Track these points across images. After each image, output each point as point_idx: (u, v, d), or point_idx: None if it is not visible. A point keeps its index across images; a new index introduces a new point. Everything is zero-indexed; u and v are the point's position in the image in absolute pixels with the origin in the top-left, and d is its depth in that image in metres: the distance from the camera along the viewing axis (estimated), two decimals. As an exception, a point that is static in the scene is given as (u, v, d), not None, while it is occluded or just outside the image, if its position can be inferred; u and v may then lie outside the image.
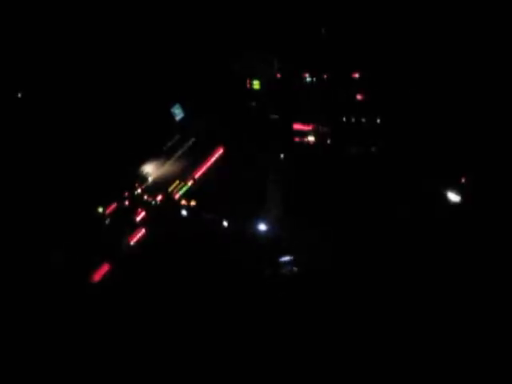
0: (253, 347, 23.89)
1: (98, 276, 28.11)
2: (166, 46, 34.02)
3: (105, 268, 28.45)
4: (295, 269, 27.00)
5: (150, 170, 33.12)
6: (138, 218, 31.00)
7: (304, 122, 33.21)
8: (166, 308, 25.99)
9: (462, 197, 28.11)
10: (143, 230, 30.28)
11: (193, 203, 30.90)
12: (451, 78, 30.27)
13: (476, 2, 30.32)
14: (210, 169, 33.27)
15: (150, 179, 32.87)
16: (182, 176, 32.75)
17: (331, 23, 33.35)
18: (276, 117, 33.98)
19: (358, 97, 32.75)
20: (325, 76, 33.40)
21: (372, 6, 32.43)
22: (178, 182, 32.32)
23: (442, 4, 31.02)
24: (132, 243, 29.90)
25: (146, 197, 31.96)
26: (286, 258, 27.21)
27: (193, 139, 34.55)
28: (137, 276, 27.89)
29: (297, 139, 33.33)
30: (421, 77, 31.07)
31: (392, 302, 24.48)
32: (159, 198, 31.77)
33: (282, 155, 32.55)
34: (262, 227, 28.69)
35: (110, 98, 33.41)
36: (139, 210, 31.25)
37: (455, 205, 28.20)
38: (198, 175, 32.88)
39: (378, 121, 31.96)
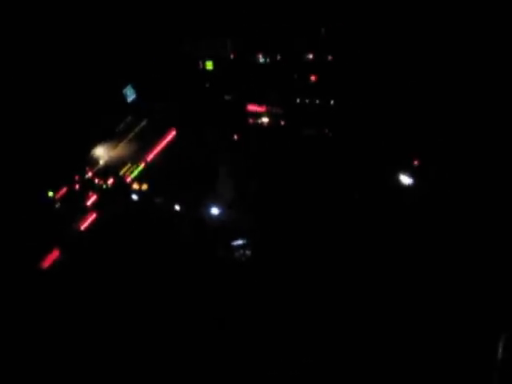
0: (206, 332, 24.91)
1: (47, 262, 28.97)
2: (116, 26, 34.30)
3: (55, 253, 29.28)
4: (248, 253, 27.91)
5: (101, 152, 33.91)
6: (89, 203, 31.85)
7: (257, 103, 34.18)
8: (117, 293, 26.92)
9: (415, 180, 29.22)
10: (94, 215, 31.15)
11: (144, 187, 31.77)
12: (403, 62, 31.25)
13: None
14: (162, 151, 34.03)
15: (101, 162, 33.61)
16: (134, 159, 33.54)
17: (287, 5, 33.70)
18: (229, 98, 34.81)
19: (312, 78, 33.61)
20: (278, 57, 34.17)
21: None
22: (129, 164, 33.15)
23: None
24: (83, 228, 30.72)
25: (96, 180, 32.74)
26: (239, 242, 28.11)
27: (145, 121, 35.36)
28: (88, 261, 28.78)
29: (250, 121, 34.26)
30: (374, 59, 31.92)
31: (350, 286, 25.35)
32: (110, 181, 32.58)
33: (234, 137, 33.46)
34: (214, 210, 29.58)
35: (60, 78, 33.40)
36: (90, 194, 32.11)
37: (408, 187, 29.31)
38: (149, 158, 33.68)
39: (332, 102, 32.95)
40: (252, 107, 34.33)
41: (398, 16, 30.97)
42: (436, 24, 30.43)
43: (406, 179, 29.42)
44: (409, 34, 30.88)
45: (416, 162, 29.88)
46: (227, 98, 35.00)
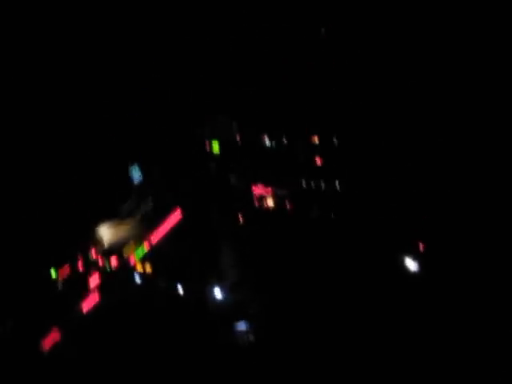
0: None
1: (47, 344, 29.16)
2: (122, 108, 33.04)
3: (55, 335, 29.50)
4: (251, 337, 28.20)
5: (106, 233, 34.46)
6: (92, 284, 32.27)
7: (263, 185, 34.83)
8: (118, 378, 26.37)
9: (421, 266, 28.20)
10: (96, 296, 31.68)
11: (148, 269, 32.61)
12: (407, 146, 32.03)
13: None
14: (166, 233, 34.17)
15: (106, 243, 34.13)
16: (139, 240, 34.05)
17: (293, 87, 33.82)
18: (235, 180, 35.24)
19: (318, 161, 34.16)
20: (284, 140, 34.58)
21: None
22: (133, 245, 33.79)
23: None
24: (85, 310, 31.17)
25: (100, 261, 33.29)
26: (242, 326, 28.48)
27: (150, 201, 35.66)
28: (89, 345, 28.81)
29: (256, 203, 34.86)
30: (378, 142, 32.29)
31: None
32: (114, 262, 33.31)
33: (240, 219, 33.63)
34: (217, 293, 30.20)
35: (63, 156, 32.01)
36: (93, 274, 32.53)
37: (413, 274, 28.17)
38: (154, 239, 34.18)
39: (337, 186, 33.32)
40: (257, 190, 34.90)
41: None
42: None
43: (411, 264, 28.23)
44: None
45: (422, 247, 28.74)
46: (233, 180, 35.15)
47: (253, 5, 34.33)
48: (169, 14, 35.34)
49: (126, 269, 33.22)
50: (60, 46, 32.81)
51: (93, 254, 33.64)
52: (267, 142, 35.36)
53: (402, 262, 28.65)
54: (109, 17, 34.14)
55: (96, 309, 31.39)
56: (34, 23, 31.76)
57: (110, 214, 34.77)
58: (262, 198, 35.29)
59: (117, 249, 33.97)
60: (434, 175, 30.95)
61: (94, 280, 32.55)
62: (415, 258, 28.66)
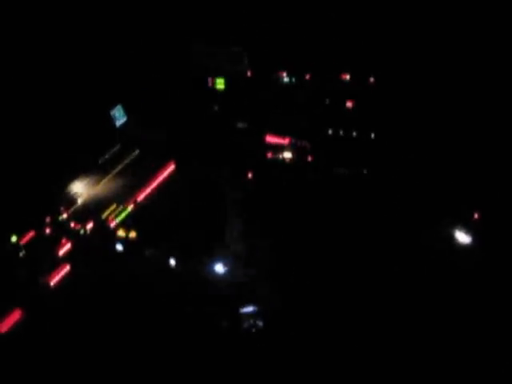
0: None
1: (6, 326, 26.97)
2: (105, 30, 33.76)
3: (16, 315, 27.48)
4: (260, 323, 26.33)
5: (81, 188, 33.08)
6: (62, 252, 30.45)
7: (279, 133, 33.08)
8: (93, 370, 24.58)
9: (474, 238, 27.57)
10: (67, 267, 29.74)
11: (132, 234, 30.76)
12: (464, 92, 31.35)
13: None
14: (156, 190, 33.08)
15: (80, 201, 32.76)
16: (121, 198, 32.64)
17: (318, 9, 33.72)
18: (244, 125, 33.85)
19: (349, 104, 32.64)
20: (307, 76, 33.31)
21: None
22: (114, 205, 32.27)
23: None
24: (52, 283, 29.17)
25: (72, 224, 31.64)
26: (249, 309, 26.68)
27: (137, 151, 34.38)
28: (57, 326, 26.71)
29: (269, 155, 33.17)
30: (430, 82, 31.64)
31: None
32: (90, 226, 31.60)
33: (249, 175, 32.28)
34: (219, 268, 28.32)
35: (29, 92, 32.52)
36: (63, 240, 30.72)
37: (464, 248, 27.61)
38: (140, 198, 32.84)
39: (373, 135, 31.86)
40: (272, 139, 33.55)
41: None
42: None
43: (462, 237, 27.93)
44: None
45: (477, 216, 28.60)
46: (241, 125, 34.17)
47: None
48: None
49: (104, 233, 31.32)
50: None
51: (64, 214, 31.84)
52: (286, 79, 34.10)
53: (451, 233, 27.67)
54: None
55: (66, 282, 29.17)
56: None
57: (87, 166, 33.23)
58: (277, 149, 33.43)
59: (94, 209, 32.39)
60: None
61: (65, 247, 30.54)
62: (468, 229, 27.57)
